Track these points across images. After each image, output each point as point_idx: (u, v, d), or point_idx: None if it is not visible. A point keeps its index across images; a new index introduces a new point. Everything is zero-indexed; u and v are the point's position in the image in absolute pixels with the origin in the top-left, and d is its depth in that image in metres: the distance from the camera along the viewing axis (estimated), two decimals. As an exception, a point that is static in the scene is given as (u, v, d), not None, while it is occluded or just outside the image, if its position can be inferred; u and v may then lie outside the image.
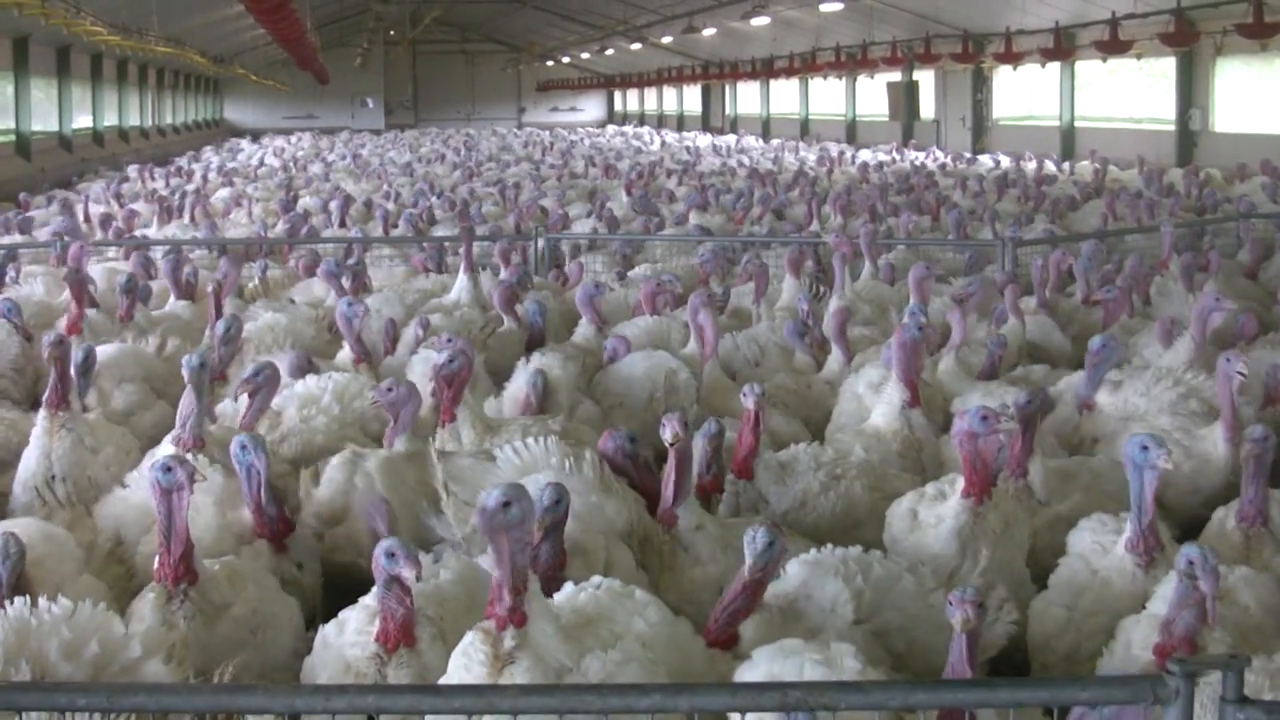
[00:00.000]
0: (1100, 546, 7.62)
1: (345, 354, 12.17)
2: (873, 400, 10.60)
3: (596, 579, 6.69)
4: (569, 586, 6.66)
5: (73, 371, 10.09)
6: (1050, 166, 36.74)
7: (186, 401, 9.16)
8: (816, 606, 6.96)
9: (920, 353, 10.26)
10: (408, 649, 6.42)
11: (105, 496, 8.83)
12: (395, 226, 22.81)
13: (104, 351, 11.58)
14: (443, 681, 5.89)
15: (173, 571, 6.92)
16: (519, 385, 10.93)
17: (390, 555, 6.33)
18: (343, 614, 6.80)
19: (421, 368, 11.20)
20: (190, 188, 31.23)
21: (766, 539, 6.64)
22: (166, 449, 8.81)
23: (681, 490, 8.00)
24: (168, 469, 7.07)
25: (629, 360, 11.75)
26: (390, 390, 9.51)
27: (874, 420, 10.20)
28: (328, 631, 6.75)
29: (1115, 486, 9.03)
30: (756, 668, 5.97)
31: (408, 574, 6.28)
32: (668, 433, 7.97)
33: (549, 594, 6.55)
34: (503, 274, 15.84)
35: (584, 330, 13.19)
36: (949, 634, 5.98)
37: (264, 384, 9.92)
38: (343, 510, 8.56)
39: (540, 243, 18.39)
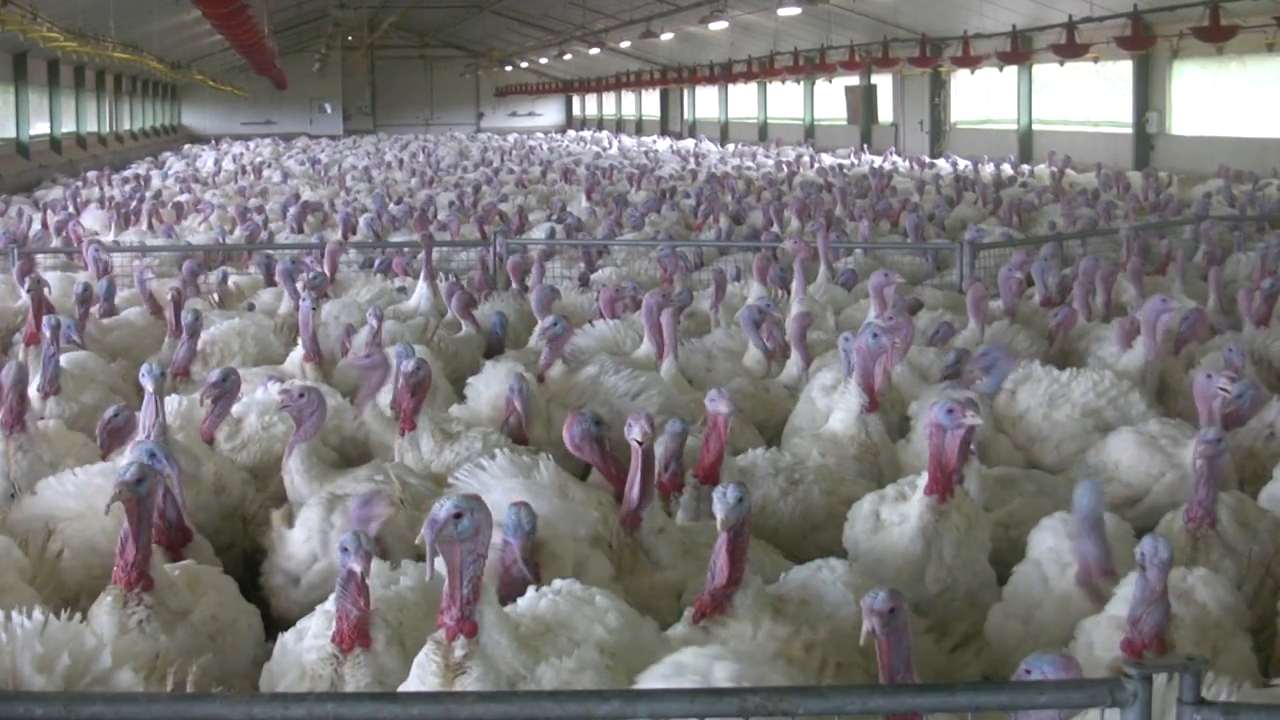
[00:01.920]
0: (1057, 557, 7.52)
1: (297, 354, 12.19)
2: (826, 403, 10.57)
3: (558, 583, 6.65)
4: (531, 591, 6.64)
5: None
6: (1009, 170, 36.76)
7: (148, 409, 9.10)
8: (817, 608, 6.96)
9: (879, 359, 10.17)
10: (364, 650, 6.42)
11: (34, 495, 8.71)
12: (354, 232, 22.66)
13: (68, 357, 11.61)
14: (401, 688, 5.91)
15: (126, 576, 6.88)
16: (495, 392, 10.75)
17: (343, 550, 6.36)
18: (302, 621, 6.80)
19: None
20: (149, 194, 30.99)
21: (737, 494, 6.60)
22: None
23: (646, 492, 7.91)
24: (140, 480, 7.01)
25: (610, 376, 11.41)
26: (301, 396, 9.35)
27: (831, 425, 10.12)
28: (287, 638, 6.75)
29: (1064, 492, 9.00)
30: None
31: (355, 568, 6.30)
32: (636, 431, 7.88)
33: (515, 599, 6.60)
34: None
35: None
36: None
37: (228, 390, 9.96)
38: (321, 550, 8.17)
39: (499, 248, 18.34)
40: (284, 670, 6.63)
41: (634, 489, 7.94)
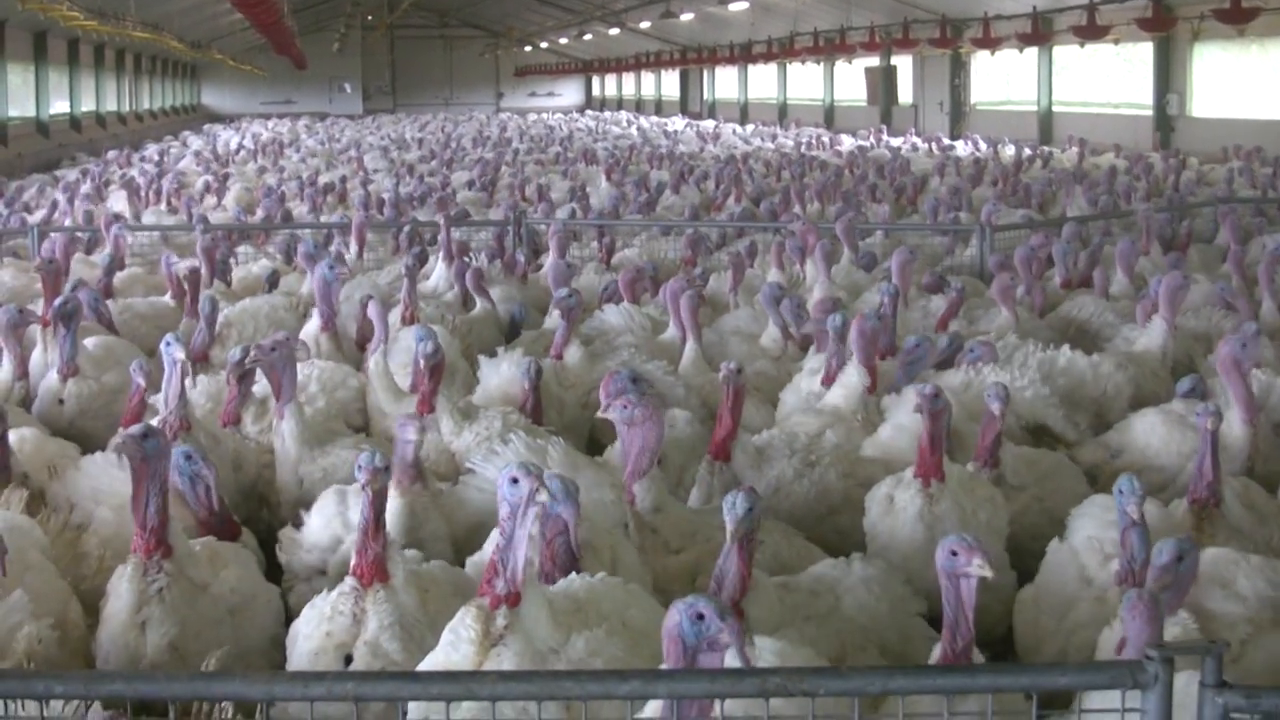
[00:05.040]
0: (1098, 548, 7.42)
1: (311, 326, 12.19)
2: (809, 384, 10.65)
3: (601, 574, 6.64)
4: (572, 575, 6.65)
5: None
6: (1029, 152, 36.48)
7: (170, 386, 9.12)
8: (826, 598, 7.01)
9: (879, 339, 10.39)
10: (383, 585, 6.52)
11: (77, 470, 8.76)
12: (380, 211, 22.46)
13: (96, 341, 11.65)
14: (431, 655, 5.93)
15: (145, 544, 6.88)
16: (508, 379, 10.73)
17: (359, 468, 6.59)
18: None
19: (402, 357, 11.09)
20: (169, 175, 30.69)
21: (746, 504, 6.47)
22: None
23: (637, 465, 7.87)
24: (146, 436, 7.06)
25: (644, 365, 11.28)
26: (274, 350, 9.32)
27: (832, 399, 10.16)
28: (317, 599, 6.78)
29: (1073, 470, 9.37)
30: None
31: (379, 463, 6.57)
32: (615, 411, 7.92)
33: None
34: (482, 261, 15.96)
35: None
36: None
37: (253, 370, 9.83)
38: (343, 530, 7.97)
39: (520, 229, 18.40)
40: (307, 620, 6.69)
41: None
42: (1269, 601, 6.78)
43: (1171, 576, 6.28)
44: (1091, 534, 7.53)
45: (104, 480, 8.44)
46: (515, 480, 5.81)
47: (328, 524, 8.00)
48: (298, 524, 8.20)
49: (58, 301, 11.02)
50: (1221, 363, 9.50)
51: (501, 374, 10.85)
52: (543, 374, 10.37)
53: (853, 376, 10.12)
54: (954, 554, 5.84)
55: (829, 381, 10.46)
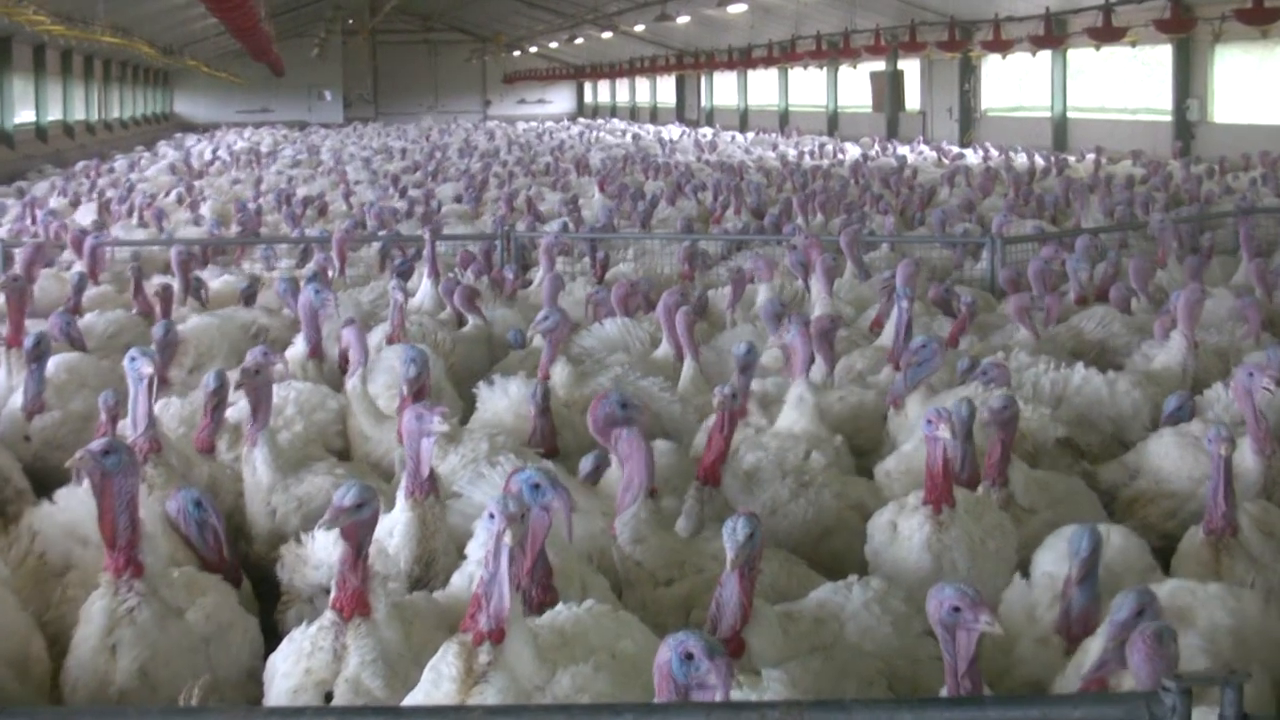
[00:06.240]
0: (1050, 585, 7.29)
1: (296, 350, 11.97)
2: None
3: (589, 602, 6.63)
4: (560, 606, 6.64)
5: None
6: (1042, 161, 36.30)
7: (138, 405, 9.00)
8: (830, 626, 6.94)
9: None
10: (363, 618, 6.44)
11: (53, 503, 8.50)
12: (362, 226, 22.24)
13: (63, 360, 11.49)
14: (411, 694, 5.91)
15: (114, 562, 6.87)
16: (517, 401, 10.48)
17: (340, 496, 6.52)
18: None
19: (385, 378, 11.08)
20: (142, 187, 30.67)
21: (747, 530, 6.38)
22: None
23: (621, 500, 7.82)
24: (107, 452, 7.00)
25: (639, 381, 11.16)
26: (258, 373, 9.17)
27: (792, 424, 9.91)
28: (295, 632, 6.68)
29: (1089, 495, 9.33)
30: None
31: (347, 503, 6.43)
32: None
33: (540, 612, 6.61)
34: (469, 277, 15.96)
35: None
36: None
37: (223, 395, 9.72)
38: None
39: (510, 242, 18.34)
40: (285, 654, 6.58)
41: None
42: (1227, 631, 6.75)
43: (1131, 633, 6.08)
44: (1049, 570, 7.46)
45: (83, 514, 7.97)
46: (492, 516, 5.87)
47: (338, 539, 7.68)
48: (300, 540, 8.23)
49: (28, 343, 10.86)
50: (1236, 390, 9.43)
51: (511, 395, 10.63)
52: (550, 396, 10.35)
53: (806, 396, 10.01)
54: (956, 609, 5.77)
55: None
